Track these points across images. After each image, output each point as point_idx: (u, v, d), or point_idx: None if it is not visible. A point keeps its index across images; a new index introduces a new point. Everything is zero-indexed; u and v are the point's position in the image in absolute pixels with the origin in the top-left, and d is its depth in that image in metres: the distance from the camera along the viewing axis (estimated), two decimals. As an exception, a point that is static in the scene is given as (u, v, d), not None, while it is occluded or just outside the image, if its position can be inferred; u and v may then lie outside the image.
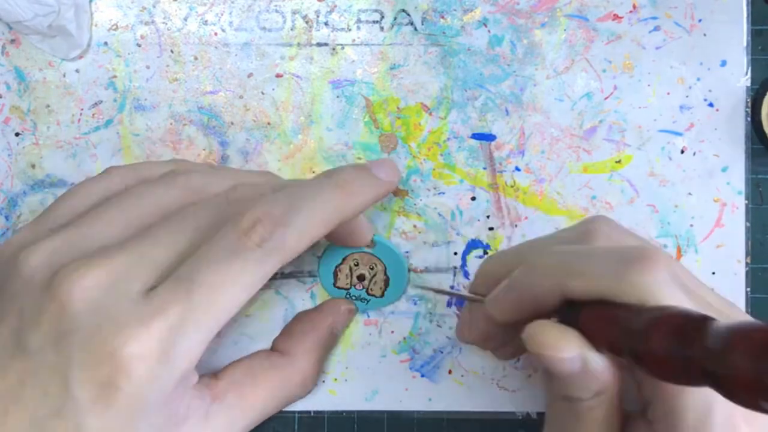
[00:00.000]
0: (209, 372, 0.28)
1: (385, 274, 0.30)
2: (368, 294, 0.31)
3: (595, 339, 0.22)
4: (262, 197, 0.24)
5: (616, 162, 0.31)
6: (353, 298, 0.31)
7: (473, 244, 0.31)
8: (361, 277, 0.30)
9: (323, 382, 0.31)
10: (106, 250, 0.23)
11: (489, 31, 0.31)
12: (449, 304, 0.31)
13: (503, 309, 0.25)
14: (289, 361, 0.29)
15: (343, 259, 0.30)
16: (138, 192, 0.26)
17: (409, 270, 0.31)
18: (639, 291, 0.21)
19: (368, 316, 0.31)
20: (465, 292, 0.29)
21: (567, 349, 0.21)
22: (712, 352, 0.18)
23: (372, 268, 0.30)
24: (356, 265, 0.30)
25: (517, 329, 0.23)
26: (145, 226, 0.24)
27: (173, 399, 0.23)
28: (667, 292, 0.21)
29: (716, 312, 0.21)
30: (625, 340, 0.21)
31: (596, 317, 0.22)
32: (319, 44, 0.31)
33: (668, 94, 0.31)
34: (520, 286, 0.24)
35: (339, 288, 0.30)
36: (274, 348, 0.30)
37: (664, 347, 0.19)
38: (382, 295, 0.31)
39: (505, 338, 0.26)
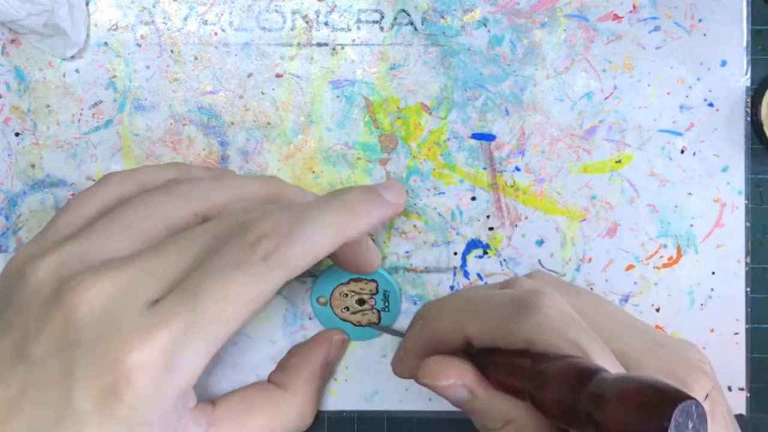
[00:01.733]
0: (207, 396, 0.28)
1: (377, 289, 0.31)
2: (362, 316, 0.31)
3: (498, 381, 0.24)
4: (269, 212, 0.24)
5: (616, 162, 0.31)
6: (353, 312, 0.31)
7: (473, 244, 0.31)
8: (360, 302, 0.30)
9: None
10: (112, 262, 0.23)
11: (489, 31, 0.31)
12: (449, 304, 0.31)
13: (415, 347, 0.27)
14: (285, 394, 0.29)
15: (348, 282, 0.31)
16: (140, 202, 0.25)
17: (407, 269, 0.31)
18: (523, 335, 0.23)
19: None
20: (395, 330, 0.31)
21: (444, 377, 0.24)
22: (595, 402, 0.19)
23: (372, 296, 0.31)
24: (345, 295, 0.30)
25: None
26: (150, 238, 0.24)
27: (172, 417, 0.23)
28: (548, 337, 0.22)
29: (604, 355, 0.23)
30: (523, 385, 0.22)
31: (499, 362, 0.24)
32: (319, 44, 0.31)
33: (668, 94, 0.31)
34: (429, 326, 0.26)
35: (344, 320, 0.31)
36: (270, 381, 0.30)
37: (556, 394, 0.21)
38: (379, 321, 0.31)
39: None
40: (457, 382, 0.24)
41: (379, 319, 0.31)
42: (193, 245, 0.24)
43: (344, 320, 0.31)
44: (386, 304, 0.31)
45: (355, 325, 0.31)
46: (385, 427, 0.31)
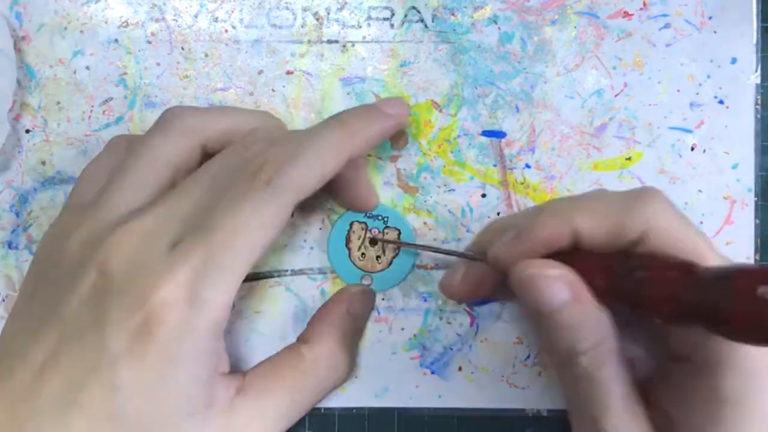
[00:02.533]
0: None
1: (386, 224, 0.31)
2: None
3: (594, 287, 0.23)
4: (270, 141, 0.26)
5: (627, 159, 0.31)
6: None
7: (483, 241, 0.31)
8: (373, 242, 0.31)
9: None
10: (132, 214, 0.24)
11: (499, 28, 0.31)
12: (459, 301, 0.31)
13: (511, 254, 0.25)
14: (309, 347, 0.28)
15: (350, 226, 0.31)
16: (142, 152, 0.26)
17: (417, 266, 0.31)
18: (643, 220, 0.22)
19: (379, 314, 0.31)
20: (460, 251, 0.30)
21: (553, 268, 0.23)
22: (710, 291, 0.19)
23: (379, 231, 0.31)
24: (359, 238, 0.31)
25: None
26: (160, 184, 0.25)
27: (204, 361, 0.23)
28: (669, 220, 0.22)
29: (712, 248, 0.23)
30: (625, 284, 0.22)
31: (600, 266, 0.23)
32: (329, 41, 0.31)
33: (678, 91, 0.31)
34: (530, 229, 0.24)
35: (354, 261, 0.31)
36: (298, 340, 0.30)
37: (664, 288, 0.21)
38: (398, 238, 0.31)
39: (490, 291, 0.28)
40: (564, 276, 0.23)
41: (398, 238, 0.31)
42: (201, 185, 0.25)
43: (368, 271, 0.31)
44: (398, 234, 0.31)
45: (379, 272, 0.31)
46: (396, 423, 0.31)
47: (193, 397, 0.23)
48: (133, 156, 0.26)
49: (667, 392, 0.24)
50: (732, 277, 0.19)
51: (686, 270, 0.21)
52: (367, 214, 0.31)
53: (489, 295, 0.29)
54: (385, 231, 0.31)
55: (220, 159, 0.26)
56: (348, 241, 0.31)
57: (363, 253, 0.31)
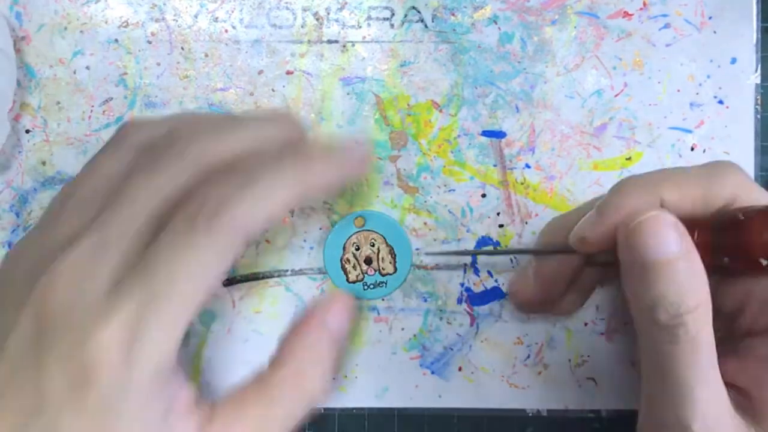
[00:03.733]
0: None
1: (387, 243, 0.31)
2: (382, 275, 0.31)
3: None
4: (218, 177, 0.23)
5: (627, 159, 0.31)
6: (372, 287, 0.31)
7: (483, 241, 0.31)
8: (368, 260, 0.31)
9: (338, 378, 0.31)
10: (73, 240, 0.22)
11: (499, 28, 0.31)
12: (459, 301, 0.31)
13: (597, 229, 0.25)
14: (274, 372, 0.25)
15: (344, 249, 0.30)
16: (87, 171, 0.24)
17: (417, 266, 0.31)
18: (729, 188, 0.23)
19: (378, 314, 0.31)
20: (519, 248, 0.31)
21: (669, 214, 0.23)
22: None
23: (372, 244, 0.31)
24: (357, 249, 0.30)
25: (578, 284, 0.28)
26: (99, 206, 0.23)
27: (153, 405, 0.22)
28: (751, 188, 0.23)
29: None
30: (724, 234, 0.23)
31: (688, 224, 0.23)
32: (329, 41, 0.31)
33: (678, 91, 0.31)
34: (614, 203, 0.24)
35: (354, 282, 0.31)
36: (269, 361, 0.27)
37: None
38: (395, 269, 0.31)
39: (565, 287, 0.28)
40: (679, 225, 0.22)
41: (393, 255, 0.31)
42: (140, 212, 0.23)
43: (382, 276, 0.31)
44: (393, 261, 0.31)
45: (393, 275, 0.31)
46: (396, 423, 0.31)
47: None
48: (78, 175, 0.25)
49: (744, 369, 0.24)
50: None
51: None
52: (364, 228, 0.31)
53: (562, 292, 0.29)
54: (372, 239, 0.31)
55: (155, 176, 0.23)
56: (346, 274, 0.31)
57: (355, 266, 0.31)
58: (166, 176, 0.23)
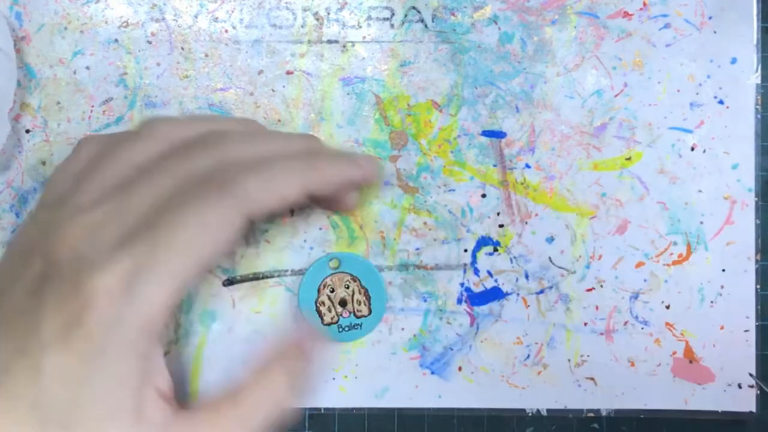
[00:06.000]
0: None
1: (361, 285, 0.31)
2: (357, 317, 0.31)
3: None
4: (239, 145, 0.25)
5: (627, 159, 0.31)
6: (347, 329, 0.31)
7: (483, 241, 0.31)
8: (342, 302, 0.31)
9: (338, 378, 0.31)
10: (85, 206, 0.24)
11: (499, 28, 0.31)
12: (459, 301, 0.31)
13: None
14: (242, 393, 0.25)
15: (318, 291, 0.30)
16: (110, 154, 0.26)
17: (417, 267, 0.31)
18: None
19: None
20: None
21: None
22: None
23: (347, 287, 0.31)
24: (332, 291, 0.30)
25: None
26: (123, 183, 0.24)
27: (132, 361, 0.22)
28: None
29: None
30: None
31: None
32: (329, 41, 0.31)
33: (678, 91, 0.31)
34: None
35: (329, 324, 0.31)
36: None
37: None
38: (370, 311, 0.31)
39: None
40: None
41: (368, 296, 0.31)
42: (162, 181, 0.24)
43: (357, 318, 0.31)
44: (368, 303, 0.31)
45: (369, 316, 0.31)
46: (395, 424, 0.31)
47: (120, 402, 0.22)
48: (102, 157, 0.25)
49: None
50: None
51: None
52: (338, 269, 0.31)
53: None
54: (346, 281, 0.31)
55: (183, 159, 0.25)
56: (321, 316, 0.31)
57: (330, 308, 0.31)
58: (194, 163, 0.25)
